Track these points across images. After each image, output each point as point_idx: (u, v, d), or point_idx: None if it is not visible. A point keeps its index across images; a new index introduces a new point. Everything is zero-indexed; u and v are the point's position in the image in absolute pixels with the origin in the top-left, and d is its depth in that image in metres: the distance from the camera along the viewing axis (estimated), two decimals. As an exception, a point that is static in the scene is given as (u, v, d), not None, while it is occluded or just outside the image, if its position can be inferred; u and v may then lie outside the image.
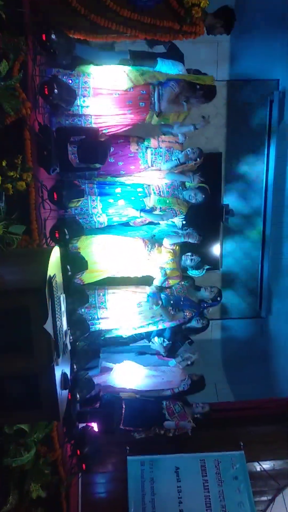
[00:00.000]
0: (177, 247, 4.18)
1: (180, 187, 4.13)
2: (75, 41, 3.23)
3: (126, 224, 4.26)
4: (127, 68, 3.62)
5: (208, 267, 4.33)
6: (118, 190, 3.93)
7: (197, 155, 3.97)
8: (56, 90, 3.05)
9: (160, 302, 3.93)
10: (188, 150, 3.99)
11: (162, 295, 4.07)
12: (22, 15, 2.94)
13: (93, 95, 3.55)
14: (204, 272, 4.27)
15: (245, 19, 5.14)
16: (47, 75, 3.26)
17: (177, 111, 3.77)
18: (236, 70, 5.37)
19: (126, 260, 4.03)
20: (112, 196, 3.92)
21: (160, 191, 4.07)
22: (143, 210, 4.04)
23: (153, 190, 4.04)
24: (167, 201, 4.04)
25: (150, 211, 4.10)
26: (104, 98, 3.58)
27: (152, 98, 3.64)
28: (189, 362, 4.14)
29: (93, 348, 3.98)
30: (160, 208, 4.08)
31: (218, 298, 4.27)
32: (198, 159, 3.99)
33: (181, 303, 4.09)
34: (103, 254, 3.90)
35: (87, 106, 3.56)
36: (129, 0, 3.18)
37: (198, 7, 3.16)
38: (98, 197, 3.85)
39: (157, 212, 4.11)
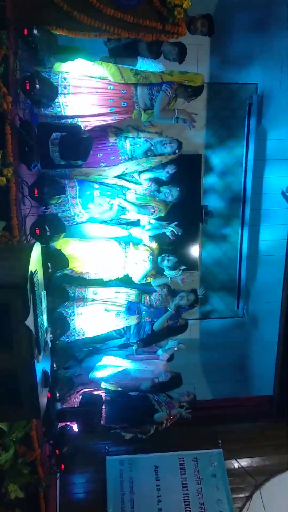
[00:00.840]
0: (155, 245, 4.20)
1: (156, 191, 4.17)
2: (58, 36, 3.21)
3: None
4: (108, 65, 3.61)
5: (184, 267, 4.36)
6: (96, 186, 3.92)
7: (176, 147, 3.95)
8: (37, 85, 3.03)
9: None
10: (164, 139, 3.95)
11: (143, 308, 4.11)
12: (4, 9, 2.90)
13: (72, 93, 3.53)
14: (180, 272, 4.29)
15: (225, 24, 5.24)
16: (28, 70, 3.23)
17: (168, 118, 3.78)
18: (216, 73, 5.44)
19: (104, 264, 4.05)
20: (90, 188, 3.92)
21: (138, 193, 4.10)
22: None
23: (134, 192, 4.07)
24: (146, 199, 4.08)
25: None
26: (84, 96, 3.56)
27: (135, 98, 3.65)
28: (175, 349, 4.22)
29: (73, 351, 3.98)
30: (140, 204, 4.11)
31: (195, 304, 4.33)
32: (176, 151, 3.99)
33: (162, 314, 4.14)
34: (82, 258, 3.91)
35: (68, 106, 3.54)
36: (113, -1, 3.19)
37: (180, 7, 3.19)
38: (78, 193, 3.83)
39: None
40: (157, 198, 4.14)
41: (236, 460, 4.31)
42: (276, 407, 4.90)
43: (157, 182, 4.17)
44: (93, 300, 4.00)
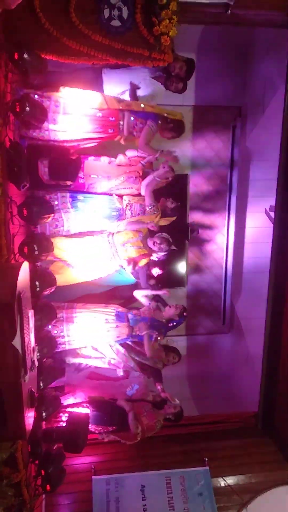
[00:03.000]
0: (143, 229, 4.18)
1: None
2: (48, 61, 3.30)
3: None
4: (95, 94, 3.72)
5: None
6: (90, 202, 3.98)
7: (171, 173, 4.12)
8: (27, 108, 3.09)
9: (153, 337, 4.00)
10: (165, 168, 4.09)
11: (130, 315, 4.12)
12: (-5, 34, 2.98)
13: (62, 118, 3.61)
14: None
15: (210, 48, 5.44)
16: (19, 93, 3.30)
17: (150, 153, 3.92)
18: (201, 96, 5.61)
19: (92, 260, 4.04)
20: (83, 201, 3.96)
21: (132, 211, 4.13)
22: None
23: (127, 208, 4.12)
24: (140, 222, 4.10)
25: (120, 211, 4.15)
26: (73, 124, 3.65)
27: (121, 123, 3.76)
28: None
29: (59, 366, 3.96)
30: (130, 204, 4.13)
31: (184, 314, 4.36)
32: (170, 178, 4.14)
33: (149, 324, 4.15)
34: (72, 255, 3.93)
35: (57, 130, 3.61)
36: (101, 26, 3.30)
37: (167, 35, 3.32)
38: (69, 199, 3.87)
39: (127, 213, 4.15)
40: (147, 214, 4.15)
41: (223, 478, 4.31)
42: (261, 422, 4.93)
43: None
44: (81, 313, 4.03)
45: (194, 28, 4.88)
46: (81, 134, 3.67)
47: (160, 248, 4.09)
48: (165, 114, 3.86)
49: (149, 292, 4.35)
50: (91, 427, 3.95)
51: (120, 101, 3.75)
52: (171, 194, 4.29)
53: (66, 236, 4.00)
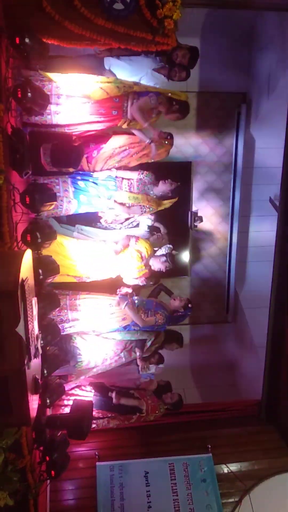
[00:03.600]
0: (148, 246, 4.17)
1: (152, 184, 4.14)
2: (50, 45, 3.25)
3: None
4: (100, 78, 3.65)
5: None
6: (92, 184, 3.92)
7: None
8: (29, 93, 3.05)
9: (126, 302, 3.95)
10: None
11: (135, 297, 4.12)
12: (-4, 18, 2.93)
13: (64, 102, 3.56)
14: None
15: (214, 33, 5.34)
16: (20, 78, 3.26)
17: (141, 120, 3.79)
18: (205, 82, 5.53)
19: (96, 265, 4.05)
20: (85, 191, 3.91)
21: (131, 187, 4.07)
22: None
23: (125, 185, 4.05)
24: (137, 198, 4.05)
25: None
26: (76, 106, 3.60)
27: (125, 105, 3.69)
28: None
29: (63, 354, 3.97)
30: (130, 204, 4.10)
31: (189, 305, 4.34)
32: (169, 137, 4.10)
33: (154, 306, 4.14)
34: (75, 258, 3.91)
35: (59, 114, 3.57)
36: (104, 9, 3.24)
37: (170, 19, 3.26)
38: (70, 180, 3.83)
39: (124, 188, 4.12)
40: (149, 196, 4.13)
41: (226, 465, 4.34)
42: (264, 411, 4.95)
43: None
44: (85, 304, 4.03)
45: (199, 11, 4.79)
46: (84, 116, 3.61)
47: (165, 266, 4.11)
48: (169, 95, 3.78)
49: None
50: (95, 411, 4.00)
51: (121, 82, 3.67)
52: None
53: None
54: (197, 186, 6.00)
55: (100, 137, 3.98)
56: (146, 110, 3.71)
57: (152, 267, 4.12)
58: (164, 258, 4.08)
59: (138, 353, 4.18)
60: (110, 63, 3.87)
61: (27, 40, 3.01)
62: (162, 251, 4.27)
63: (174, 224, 4.50)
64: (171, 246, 4.37)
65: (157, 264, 4.08)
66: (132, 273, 4.13)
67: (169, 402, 4.21)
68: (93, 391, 4.12)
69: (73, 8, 3.21)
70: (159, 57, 3.95)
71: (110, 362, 4.16)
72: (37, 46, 3.10)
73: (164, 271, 4.13)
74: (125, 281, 4.25)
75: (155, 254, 4.20)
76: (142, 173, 4.10)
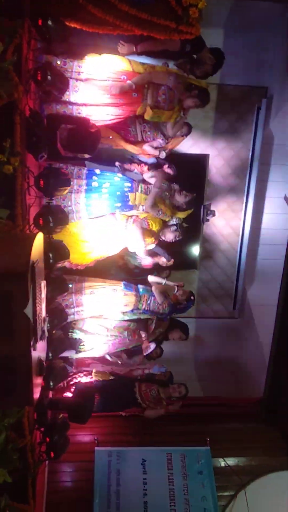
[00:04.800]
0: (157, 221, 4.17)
1: (167, 192, 4.16)
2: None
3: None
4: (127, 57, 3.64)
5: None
6: (106, 184, 3.93)
7: (186, 131, 4.14)
8: (49, 77, 3.05)
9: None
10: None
11: (140, 285, 4.15)
12: (20, -1, 2.92)
13: (85, 79, 3.53)
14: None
15: (238, 26, 5.25)
16: (41, 60, 3.25)
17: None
18: (226, 74, 5.44)
19: (106, 238, 4.05)
20: (97, 191, 3.92)
21: (147, 191, 4.09)
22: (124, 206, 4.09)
23: (141, 187, 4.06)
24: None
25: (131, 208, 4.14)
26: (96, 85, 3.57)
27: (145, 90, 3.66)
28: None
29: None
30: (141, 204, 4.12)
31: (192, 298, 4.36)
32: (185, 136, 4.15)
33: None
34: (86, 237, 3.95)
35: (78, 92, 3.55)
36: (128, -5, 3.19)
37: (195, 7, 3.20)
38: (84, 191, 3.86)
39: (139, 209, 4.15)
40: (166, 202, 4.15)
41: (223, 459, 4.37)
42: (266, 409, 4.96)
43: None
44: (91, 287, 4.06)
45: (224, 1, 4.70)
46: (104, 99, 3.58)
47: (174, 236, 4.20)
48: (188, 80, 3.76)
49: (161, 280, 4.35)
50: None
51: (144, 64, 3.65)
52: (189, 176, 4.23)
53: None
54: (211, 180, 5.95)
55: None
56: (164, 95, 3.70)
57: (164, 238, 4.18)
58: (175, 227, 4.16)
59: (143, 335, 4.21)
60: (132, 59, 3.82)
61: (49, 22, 3.00)
62: (173, 221, 4.28)
63: (186, 217, 4.48)
64: (181, 217, 4.37)
65: (168, 234, 4.16)
66: (140, 245, 4.12)
67: (176, 396, 4.24)
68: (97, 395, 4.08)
69: (97, -8, 3.17)
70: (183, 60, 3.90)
71: (114, 343, 4.18)
72: (59, 28, 3.08)
73: (174, 241, 4.20)
74: (134, 250, 4.25)
75: (167, 224, 4.23)
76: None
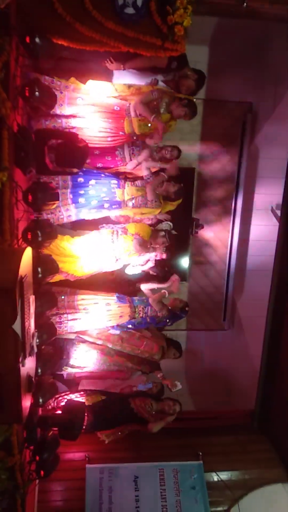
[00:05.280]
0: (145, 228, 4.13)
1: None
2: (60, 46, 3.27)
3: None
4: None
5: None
6: (92, 182, 3.89)
7: (176, 154, 4.06)
8: (37, 93, 3.07)
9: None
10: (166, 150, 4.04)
11: (135, 298, 4.14)
12: (8, 16, 2.95)
13: (70, 99, 3.59)
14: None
15: (223, 42, 5.38)
16: (29, 76, 3.28)
17: (146, 114, 3.78)
18: (212, 90, 5.57)
19: (97, 255, 4.01)
20: (83, 187, 3.87)
21: (134, 183, 4.03)
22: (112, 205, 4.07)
23: (128, 183, 4.02)
24: (142, 189, 4.01)
25: (120, 205, 4.08)
26: (80, 105, 3.63)
27: (127, 105, 3.72)
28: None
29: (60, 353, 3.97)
30: (132, 197, 4.04)
31: (186, 309, 4.36)
32: (175, 159, 4.07)
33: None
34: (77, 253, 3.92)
35: (63, 106, 3.59)
36: (115, 13, 3.25)
37: (181, 25, 3.27)
38: (69, 189, 3.81)
39: (129, 204, 4.09)
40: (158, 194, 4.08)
41: (216, 473, 4.32)
42: (257, 420, 4.94)
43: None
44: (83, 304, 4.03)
45: (209, 20, 4.82)
46: (89, 116, 3.64)
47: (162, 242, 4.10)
48: (175, 94, 3.82)
49: (154, 285, 4.33)
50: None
51: (130, 86, 3.71)
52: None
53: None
54: (199, 193, 6.02)
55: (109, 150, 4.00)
56: (150, 103, 3.73)
57: (153, 244, 4.11)
58: (162, 233, 4.08)
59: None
60: (119, 75, 3.88)
61: (37, 40, 3.04)
62: (163, 226, 4.28)
63: (175, 229, 4.50)
64: (171, 224, 4.35)
65: (157, 239, 4.08)
66: (134, 258, 4.08)
67: (170, 413, 4.20)
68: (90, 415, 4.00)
69: (84, 10, 3.22)
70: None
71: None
72: (46, 45, 3.12)
73: (159, 246, 4.11)
74: (131, 271, 4.23)
75: (155, 228, 4.20)
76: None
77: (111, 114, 3.77)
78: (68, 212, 3.88)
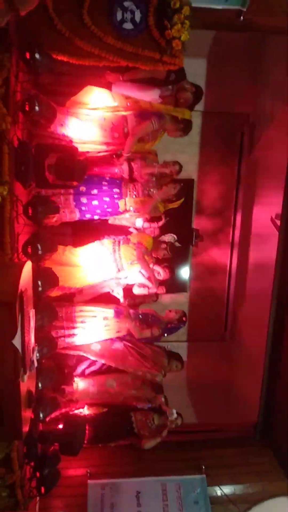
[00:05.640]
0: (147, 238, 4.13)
1: (155, 188, 4.07)
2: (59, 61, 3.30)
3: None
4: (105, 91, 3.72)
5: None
6: (94, 191, 3.88)
7: (178, 169, 4.10)
8: (37, 108, 3.10)
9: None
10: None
11: (131, 311, 4.11)
12: (8, 33, 2.99)
13: (70, 116, 3.63)
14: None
15: (221, 55, 5.44)
16: (29, 92, 3.31)
17: (128, 148, 3.81)
18: (210, 102, 5.62)
19: (98, 265, 4.00)
20: (85, 195, 3.86)
21: (135, 194, 4.01)
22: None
23: (130, 192, 4.00)
24: (143, 201, 4.02)
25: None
26: (80, 121, 3.66)
27: (125, 129, 3.75)
28: None
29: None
30: (132, 208, 4.04)
31: (184, 319, 4.34)
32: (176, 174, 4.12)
33: (150, 319, 4.13)
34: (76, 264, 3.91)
35: (65, 127, 3.63)
36: (113, 28, 3.29)
37: (178, 40, 3.31)
38: (72, 196, 3.82)
39: (130, 213, 4.10)
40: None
41: (219, 487, 4.26)
42: (260, 432, 4.88)
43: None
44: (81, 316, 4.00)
45: (206, 33, 4.88)
46: (88, 134, 3.67)
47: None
48: (173, 113, 3.83)
49: (148, 285, 4.21)
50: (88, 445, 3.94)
51: (128, 97, 3.73)
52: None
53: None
54: (199, 204, 6.04)
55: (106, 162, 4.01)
56: (147, 135, 3.79)
57: (155, 255, 4.14)
58: (164, 245, 4.08)
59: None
60: (119, 89, 3.91)
61: (37, 55, 3.07)
62: (165, 238, 4.27)
63: (178, 238, 4.52)
64: (175, 236, 4.35)
65: (159, 251, 4.10)
66: (135, 268, 4.04)
67: (172, 427, 4.14)
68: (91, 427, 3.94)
69: (83, 26, 3.26)
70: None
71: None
72: (46, 61, 3.15)
73: (160, 258, 4.12)
74: (137, 291, 4.22)
75: (159, 239, 4.20)
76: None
77: (107, 130, 3.79)
78: (72, 214, 3.91)
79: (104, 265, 4.00)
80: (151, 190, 4.01)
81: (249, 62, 5.63)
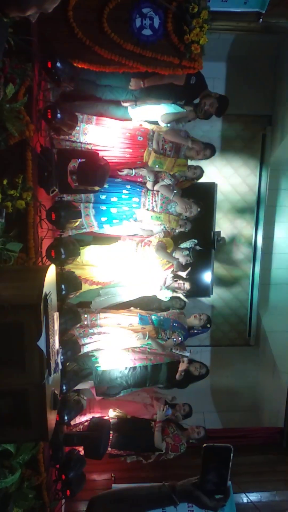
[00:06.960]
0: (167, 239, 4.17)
1: (174, 202, 4.12)
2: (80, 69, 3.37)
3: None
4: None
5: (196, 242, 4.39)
6: (114, 199, 3.95)
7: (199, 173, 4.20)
8: (58, 115, 3.17)
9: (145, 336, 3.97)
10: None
11: (153, 317, 4.10)
12: (30, 43, 3.07)
13: (95, 123, 3.71)
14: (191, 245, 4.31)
15: (240, 57, 5.43)
16: (51, 100, 3.39)
17: (180, 139, 3.90)
18: (231, 104, 5.58)
19: (118, 265, 4.03)
20: (105, 203, 3.95)
21: (154, 206, 4.07)
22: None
23: (148, 204, 4.06)
24: (160, 217, 4.07)
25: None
26: (104, 128, 3.74)
27: (150, 135, 3.79)
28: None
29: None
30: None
31: (208, 325, 4.31)
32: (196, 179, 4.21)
33: (171, 324, 4.12)
34: (97, 265, 3.95)
35: (86, 134, 3.70)
36: (133, 35, 3.35)
37: (197, 43, 3.33)
38: (91, 204, 3.90)
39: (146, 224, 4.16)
40: (171, 216, 4.11)
41: (245, 494, 4.18)
42: (286, 439, 4.77)
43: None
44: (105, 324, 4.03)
45: (225, 36, 4.89)
46: (111, 140, 3.76)
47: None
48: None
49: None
50: (113, 451, 3.96)
51: (150, 124, 3.91)
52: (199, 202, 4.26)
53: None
54: (220, 207, 6.00)
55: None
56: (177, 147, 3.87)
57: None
58: (187, 252, 4.10)
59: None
60: (135, 111, 3.97)
61: (58, 64, 3.14)
62: (187, 244, 4.27)
63: (197, 245, 4.49)
64: (195, 241, 4.35)
65: (179, 257, 4.10)
66: (157, 269, 4.07)
67: (195, 437, 4.11)
68: (113, 432, 3.96)
69: (103, 33, 3.33)
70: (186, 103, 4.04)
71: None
72: (67, 70, 3.22)
73: (183, 264, 4.13)
74: (162, 295, 4.24)
75: (179, 246, 4.20)
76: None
77: (132, 143, 3.87)
78: (91, 226, 3.97)
79: (123, 265, 4.04)
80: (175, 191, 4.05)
81: (269, 64, 5.59)
